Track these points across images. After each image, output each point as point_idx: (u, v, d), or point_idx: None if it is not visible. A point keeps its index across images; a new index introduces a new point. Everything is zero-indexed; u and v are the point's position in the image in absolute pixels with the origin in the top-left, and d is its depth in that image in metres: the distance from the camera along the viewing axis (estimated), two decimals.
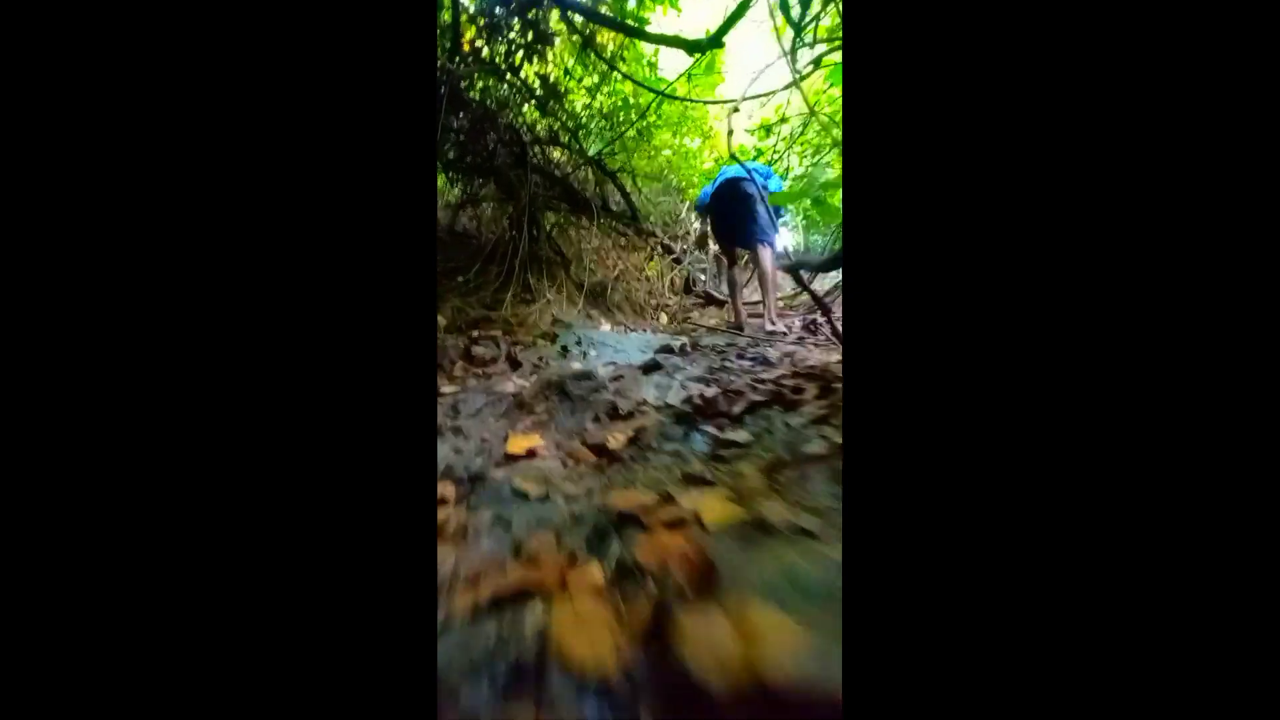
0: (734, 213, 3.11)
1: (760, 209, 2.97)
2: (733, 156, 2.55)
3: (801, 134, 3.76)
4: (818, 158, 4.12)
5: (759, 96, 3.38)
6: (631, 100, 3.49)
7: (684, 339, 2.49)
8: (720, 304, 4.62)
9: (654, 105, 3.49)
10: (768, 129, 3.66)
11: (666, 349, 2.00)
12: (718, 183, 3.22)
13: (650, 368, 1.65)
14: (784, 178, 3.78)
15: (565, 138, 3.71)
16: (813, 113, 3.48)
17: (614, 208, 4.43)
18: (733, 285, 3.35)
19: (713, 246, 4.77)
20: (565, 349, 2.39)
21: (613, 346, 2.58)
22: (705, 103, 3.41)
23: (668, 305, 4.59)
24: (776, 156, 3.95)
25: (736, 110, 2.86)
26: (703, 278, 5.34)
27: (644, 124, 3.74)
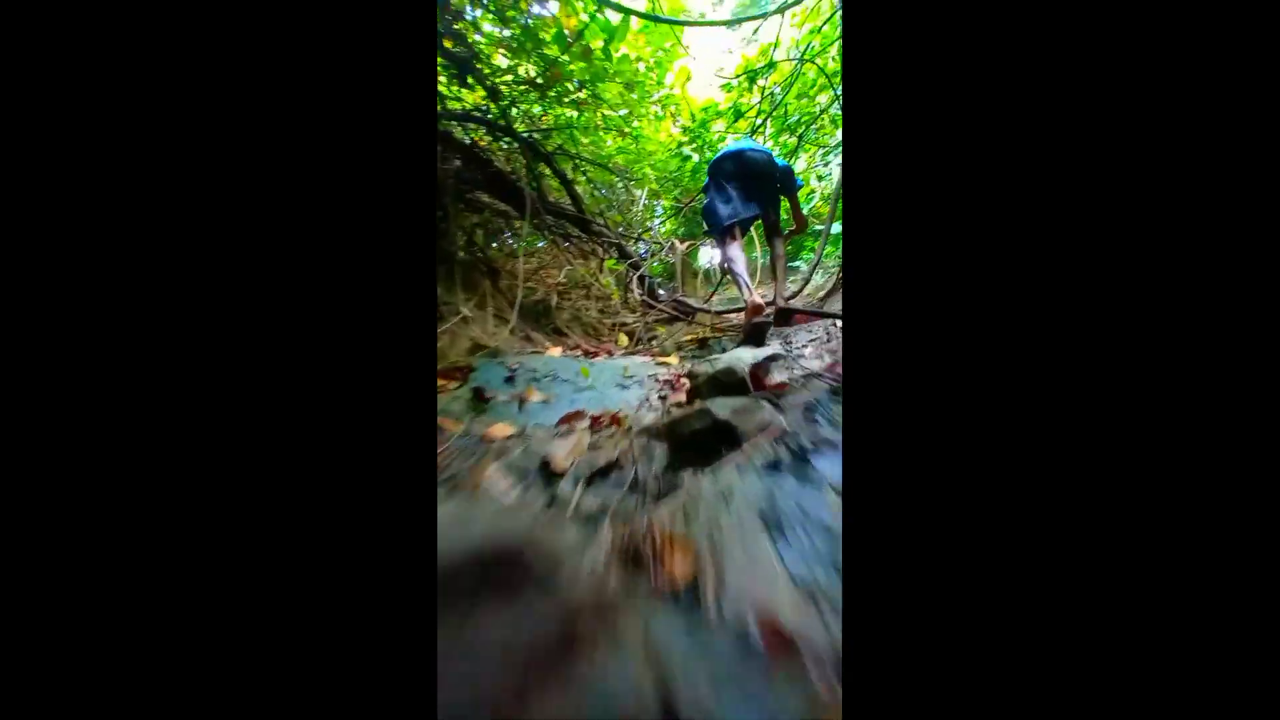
0: (759, 189, 2.36)
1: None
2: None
3: (793, 86, 2.88)
4: (816, 120, 3.25)
5: (750, 19, 2.48)
6: (571, 37, 2.48)
7: (767, 349, 1.34)
8: (689, 315, 3.62)
9: (602, 44, 2.50)
10: (752, 77, 2.75)
11: (726, 379, 0.79)
12: (729, 152, 2.38)
13: (716, 440, 0.58)
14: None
15: (487, 105, 2.64)
16: (804, 59, 2.62)
17: (553, 200, 3.38)
18: (733, 260, 2.41)
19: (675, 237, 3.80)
20: (481, 394, 1.26)
21: (572, 382, 1.50)
22: (675, 23, 2.46)
23: (625, 323, 3.54)
24: (762, 120, 3.06)
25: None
26: (662, 293, 4.35)
27: (588, 74, 2.73)
